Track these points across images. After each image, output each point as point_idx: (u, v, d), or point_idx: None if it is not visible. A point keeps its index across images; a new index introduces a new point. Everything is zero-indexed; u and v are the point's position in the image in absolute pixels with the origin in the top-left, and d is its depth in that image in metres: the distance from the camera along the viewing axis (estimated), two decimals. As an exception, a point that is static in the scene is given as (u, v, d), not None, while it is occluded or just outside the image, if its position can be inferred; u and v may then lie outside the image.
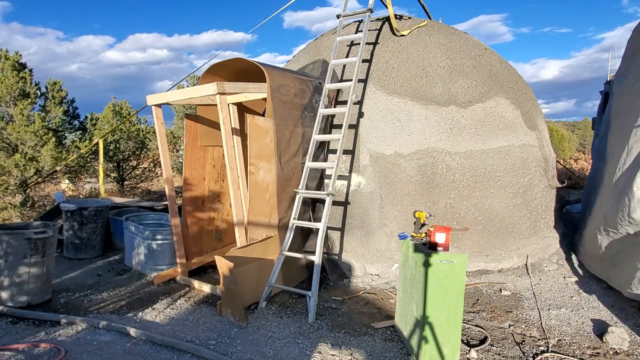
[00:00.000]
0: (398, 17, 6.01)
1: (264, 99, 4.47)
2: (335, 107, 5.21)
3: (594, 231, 4.50)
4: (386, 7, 5.72)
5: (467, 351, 3.32)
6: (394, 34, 5.63)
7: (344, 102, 5.09)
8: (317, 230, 4.25)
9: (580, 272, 4.99)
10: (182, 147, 13.33)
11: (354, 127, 5.14)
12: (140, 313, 4.04)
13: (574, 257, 5.32)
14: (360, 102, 5.20)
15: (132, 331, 3.54)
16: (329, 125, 5.21)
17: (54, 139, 7.62)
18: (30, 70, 8.03)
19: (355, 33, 5.81)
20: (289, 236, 4.34)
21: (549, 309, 4.11)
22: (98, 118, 10.60)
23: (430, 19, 6.54)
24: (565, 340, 3.55)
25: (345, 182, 5.07)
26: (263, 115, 5.21)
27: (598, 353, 3.35)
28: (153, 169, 12.20)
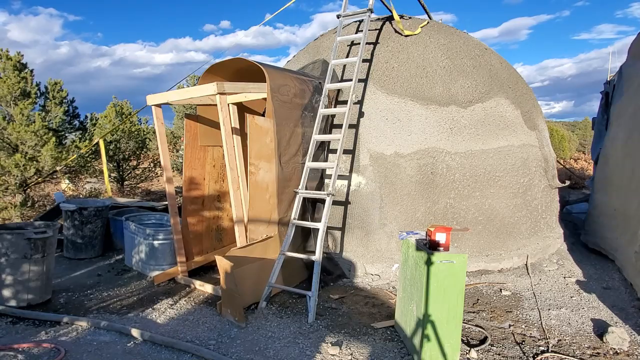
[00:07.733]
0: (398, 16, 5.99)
1: (264, 99, 4.47)
2: (335, 107, 5.21)
3: None
4: (388, 8, 5.72)
5: (467, 351, 3.31)
6: (399, 34, 5.61)
7: (344, 102, 5.09)
8: (317, 230, 4.25)
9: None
10: (182, 147, 13.33)
11: (354, 127, 5.14)
12: (140, 313, 4.04)
13: None
14: (360, 102, 5.20)
15: (133, 331, 3.54)
16: (329, 125, 5.21)
17: (54, 139, 7.61)
18: (32, 71, 8.03)
19: (356, 33, 5.81)
20: (289, 236, 4.34)
21: (549, 309, 4.11)
22: (98, 118, 10.61)
23: (430, 19, 6.55)
24: (565, 340, 3.55)
25: (345, 182, 5.07)
26: (263, 115, 5.21)
27: (598, 353, 3.35)
28: (153, 169, 12.19)
